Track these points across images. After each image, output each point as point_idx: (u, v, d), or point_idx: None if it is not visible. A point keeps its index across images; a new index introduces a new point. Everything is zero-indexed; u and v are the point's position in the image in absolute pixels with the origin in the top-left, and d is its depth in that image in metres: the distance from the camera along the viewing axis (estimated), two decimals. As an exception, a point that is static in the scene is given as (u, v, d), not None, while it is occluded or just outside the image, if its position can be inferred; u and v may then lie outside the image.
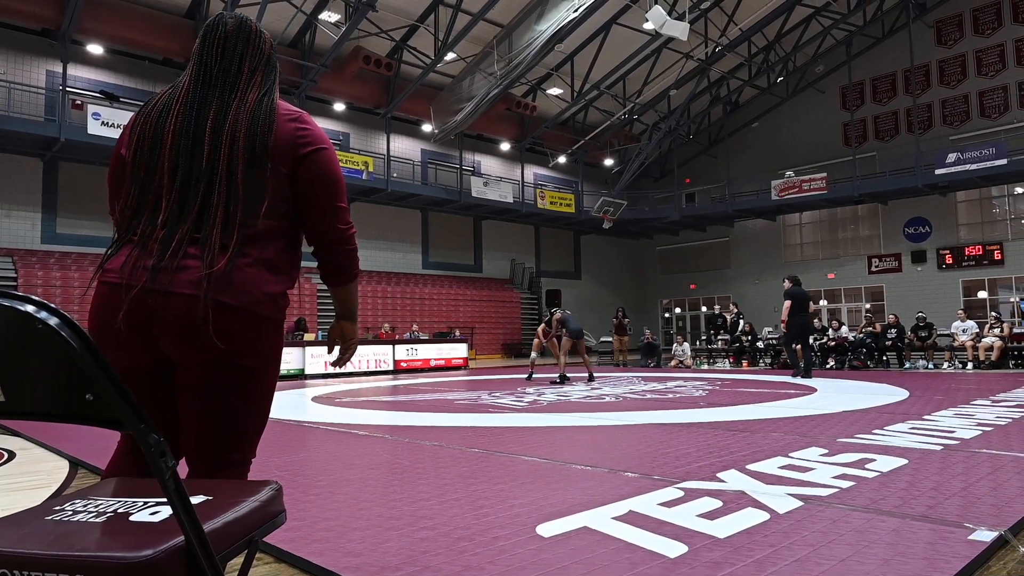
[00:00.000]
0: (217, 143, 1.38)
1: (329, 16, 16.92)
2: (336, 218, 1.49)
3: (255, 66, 1.50)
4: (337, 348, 1.67)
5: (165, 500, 1.07)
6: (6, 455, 4.40)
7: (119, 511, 1.07)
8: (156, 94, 1.50)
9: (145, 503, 1.11)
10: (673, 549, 2.14)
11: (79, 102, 15.34)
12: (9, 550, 0.94)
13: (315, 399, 8.46)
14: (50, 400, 0.94)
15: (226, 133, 1.39)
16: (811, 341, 11.56)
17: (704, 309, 26.64)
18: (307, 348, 13.77)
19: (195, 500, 1.07)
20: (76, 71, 15.96)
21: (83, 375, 0.90)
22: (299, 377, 13.32)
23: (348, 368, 14.23)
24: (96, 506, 1.11)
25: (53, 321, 0.89)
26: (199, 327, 1.30)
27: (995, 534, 2.20)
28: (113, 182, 1.50)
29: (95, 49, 16.02)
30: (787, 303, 10.58)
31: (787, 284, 10.88)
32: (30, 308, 0.89)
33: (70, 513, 1.08)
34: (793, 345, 10.80)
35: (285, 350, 13.50)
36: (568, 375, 10.34)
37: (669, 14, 14.19)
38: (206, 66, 1.46)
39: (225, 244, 1.34)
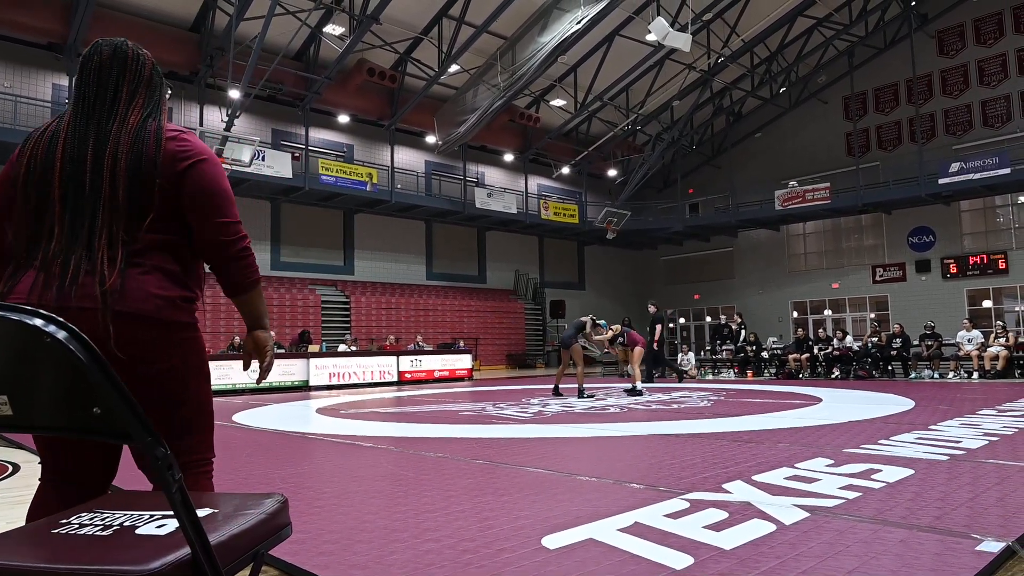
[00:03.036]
0: (98, 169, 1.43)
1: (333, 29, 17.07)
2: (221, 231, 1.50)
3: (134, 89, 1.53)
4: (255, 363, 1.66)
5: (171, 513, 1.07)
6: (10, 468, 4.40)
7: (125, 524, 1.08)
8: (44, 123, 1.54)
9: (151, 516, 1.11)
10: (679, 561, 2.13)
11: (86, 115, 15.46)
12: (17, 564, 0.95)
13: (319, 411, 8.45)
14: (58, 413, 0.95)
15: (107, 157, 1.43)
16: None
17: (708, 319, 26.58)
18: (311, 360, 13.77)
19: (201, 513, 1.07)
20: (83, 85, 16.10)
21: (91, 389, 0.91)
22: (303, 389, 13.32)
23: (353, 379, 14.22)
24: (103, 519, 1.11)
25: (61, 335, 0.90)
26: (103, 339, 1.34)
27: (1003, 544, 2.18)
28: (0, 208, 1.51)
29: (102, 63, 16.16)
30: (659, 326, 12.46)
31: (653, 309, 12.74)
32: (38, 322, 0.90)
33: (76, 526, 1.08)
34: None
35: (290, 361, 13.56)
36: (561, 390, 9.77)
37: (671, 25, 14.27)
38: (84, 96, 1.50)
39: (113, 258, 1.39)
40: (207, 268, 1.59)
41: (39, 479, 1.49)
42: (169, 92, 1.65)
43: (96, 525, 1.08)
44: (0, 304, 0.92)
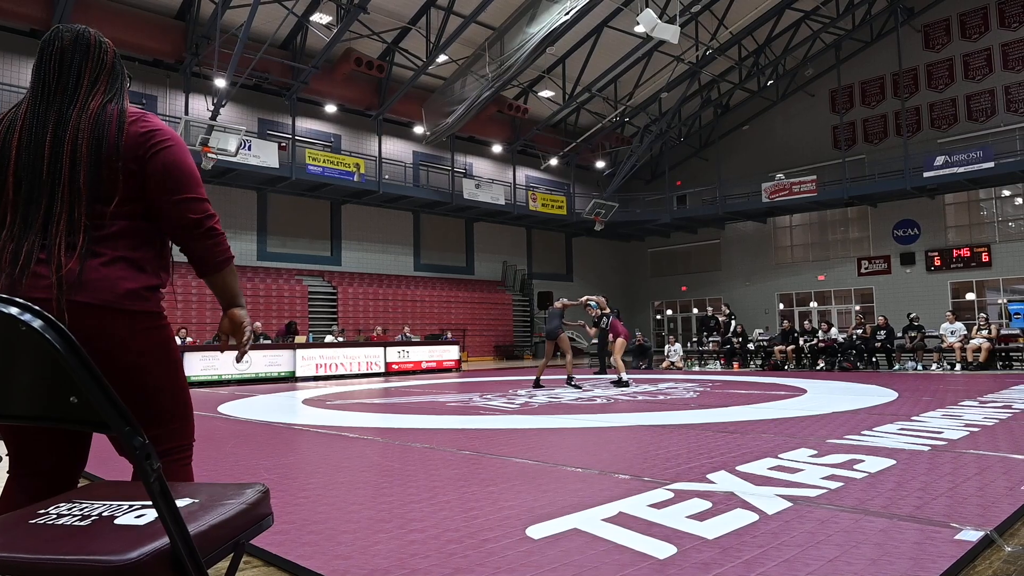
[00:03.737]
0: (57, 152, 1.40)
1: (320, 18, 16.88)
2: (188, 208, 1.49)
3: (96, 76, 1.51)
4: (232, 340, 1.63)
5: (150, 503, 1.07)
6: (-8, 459, 4.35)
7: (104, 514, 1.07)
8: (1, 113, 1.52)
9: (130, 506, 1.11)
10: (662, 550, 2.14)
11: (68, 103, 15.21)
12: (-8, 554, 0.94)
13: (306, 401, 8.43)
14: (34, 403, 0.93)
15: (67, 142, 1.41)
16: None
17: (696, 311, 26.74)
18: (298, 351, 13.72)
19: (181, 503, 1.07)
20: (65, 72, 15.83)
21: (67, 378, 0.90)
22: (290, 380, 13.26)
23: (340, 370, 14.17)
24: (80, 509, 1.10)
25: (37, 323, 0.89)
26: None
27: (981, 534, 2.22)
28: None
29: (84, 50, 15.90)
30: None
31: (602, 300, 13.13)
32: (14, 310, 0.89)
33: (54, 516, 1.07)
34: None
35: (276, 352, 13.47)
36: (575, 377, 9.77)
37: (660, 17, 14.25)
38: (44, 81, 1.47)
39: (72, 245, 1.37)
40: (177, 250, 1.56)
41: (7, 472, 1.48)
42: (129, 82, 1.61)
43: (74, 515, 1.07)
44: (-27, 293, 0.91)
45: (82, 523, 1.04)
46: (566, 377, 9.53)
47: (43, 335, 0.88)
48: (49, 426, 1.07)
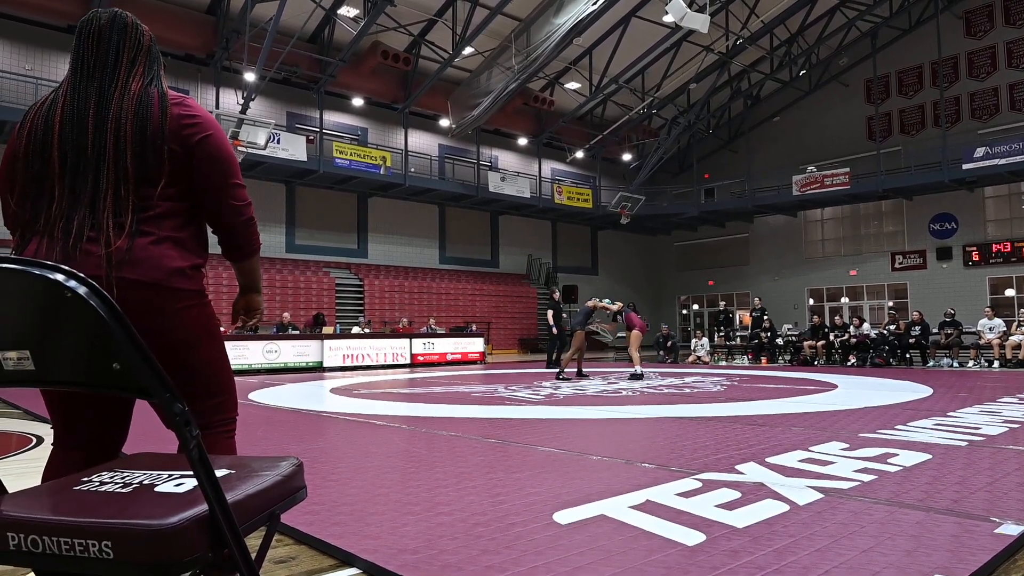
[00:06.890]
0: (101, 130, 1.43)
1: (348, 11, 17.00)
2: (230, 196, 1.53)
3: (134, 56, 1.53)
4: (242, 318, 1.74)
5: (189, 473, 1.09)
6: (34, 440, 4.50)
7: (144, 482, 1.09)
8: (43, 96, 1.55)
9: (170, 475, 1.13)
10: (691, 537, 2.13)
11: (104, 97, 15.56)
12: (39, 516, 0.97)
13: (333, 391, 8.53)
14: (78, 369, 0.96)
15: (110, 120, 1.43)
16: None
17: (723, 305, 26.40)
18: (325, 341, 13.89)
19: (219, 473, 1.08)
20: (101, 67, 16.19)
21: (110, 344, 0.92)
22: (318, 369, 13.44)
23: (366, 361, 14.33)
24: (122, 477, 1.13)
25: (82, 290, 0.91)
26: None
27: (1022, 528, 2.16)
28: (4, 179, 1.53)
29: (119, 45, 16.24)
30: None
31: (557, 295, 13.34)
32: (59, 277, 0.91)
33: (97, 484, 1.10)
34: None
35: (305, 342, 13.66)
36: (584, 371, 10.29)
37: (689, 6, 14.04)
38: (83, 60, 1.50)
39: (120, 224, 1.39)
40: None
41: (51, 444, 1.52)
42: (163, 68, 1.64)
43: (116, 483, 1.10)
44: (22, 259, 0.93)
45: (124, 490, 1.06)
46: (559, 369, 10.00)
47: (87, 301, 0.90)
48: (93, 392, 1.09)
